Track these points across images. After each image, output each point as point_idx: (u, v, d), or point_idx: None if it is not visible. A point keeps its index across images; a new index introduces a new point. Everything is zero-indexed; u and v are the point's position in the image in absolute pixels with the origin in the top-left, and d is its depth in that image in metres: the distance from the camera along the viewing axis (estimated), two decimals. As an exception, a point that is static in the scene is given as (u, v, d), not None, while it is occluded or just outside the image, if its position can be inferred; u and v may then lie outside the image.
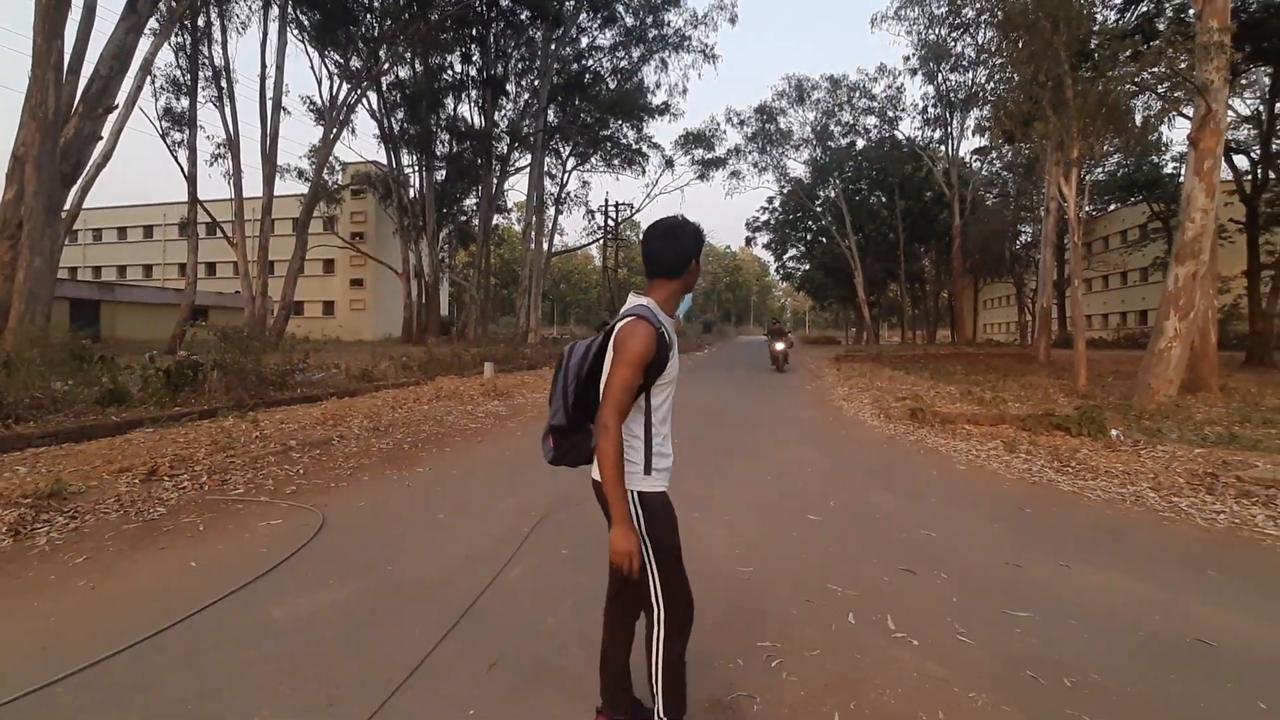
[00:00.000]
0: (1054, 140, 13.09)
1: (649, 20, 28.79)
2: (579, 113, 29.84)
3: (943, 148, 32.00)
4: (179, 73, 22.18)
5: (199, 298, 24.61)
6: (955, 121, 30.26)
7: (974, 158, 30.87)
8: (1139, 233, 30.87)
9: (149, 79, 17.65)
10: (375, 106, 28.29)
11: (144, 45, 15.09)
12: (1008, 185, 30.14)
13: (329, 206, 33.31)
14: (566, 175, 33.12)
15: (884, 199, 36.74)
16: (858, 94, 34.59)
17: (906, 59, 41.50)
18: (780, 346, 16.98)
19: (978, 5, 19.16)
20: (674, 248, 1.92)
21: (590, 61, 30.15)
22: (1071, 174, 12.78)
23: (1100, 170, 25.34)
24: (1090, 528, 4.47)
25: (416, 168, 30.33)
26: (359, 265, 40.39)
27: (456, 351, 18.14)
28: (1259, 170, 18.11)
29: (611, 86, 29.83)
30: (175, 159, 22.00)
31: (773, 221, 42.67)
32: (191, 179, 21.01)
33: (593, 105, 29.27)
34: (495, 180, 30.15)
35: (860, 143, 36.73)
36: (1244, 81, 18.35)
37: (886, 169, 34.98)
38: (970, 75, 26.23)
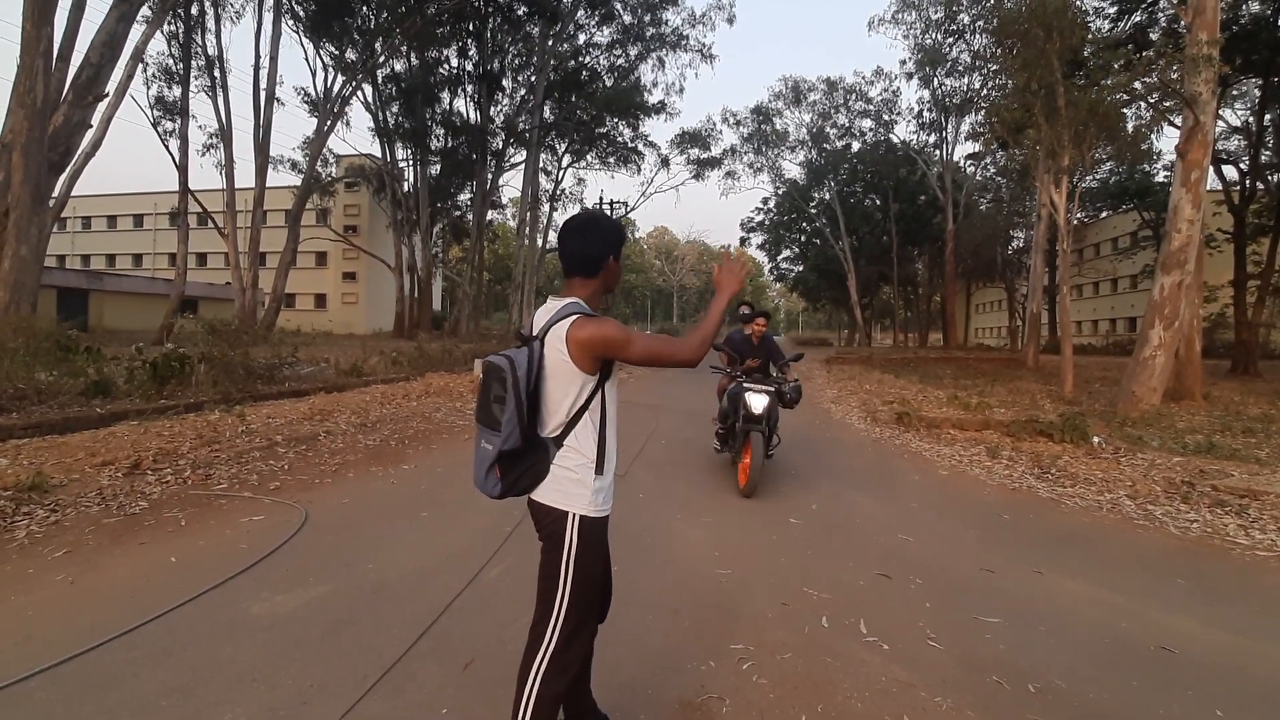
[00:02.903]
0: (1045, 148, 13.18)
1: (647, 19, 28.80)
2: (575, 110, 29.81)
3: (937, 152, 32.15)
4: (171, 61, 22.02)
5: (189, 288, 24.46)
6: (950, 126, 30.42)
7: (968, 162, 31.09)
8: (1129, 240, 31.13)
9: (140, 67, 17.53)
10: (370, 99, 28.20)
11: (136, 33, 15.01)
12: (1001, 191, 30.32)
13: (322, 199, 33.19)
14: (562, 172, 33.11)
15: (878, 202, 36.89)
16: (854, 96, 34.73)
17: (903, 63, 41.61)
18: (756, 404, 5.31)
19: (973, 12, 19.30)
20: (589, 245, 1.84)
21: (587, 59, 30.14)
22: (1062, 181, 12.88)
23: (1092, 178, 25.53)
24: (1065, 535, 4.54)
25: (411, 162, 30.23)
26: (352, 258, 40.24)
27: (448, 347, 18.11)
28: (1247, 181, 18.29)
29: (608, 84, 29.82)
30: (167, 148, 21.85)
31: (767, 222, 42.79)
32: (183, 168, 20.87)
33: (589, 102, 29.25)
34: (490, 176, 30.09)
35: (856, 145, 36.89)
36: (1234, 93, 18.54)
37: (881, 172, 35.11)
38: (965, 81, 26.39)
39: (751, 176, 41.98)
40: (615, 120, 30.53)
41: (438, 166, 30.43)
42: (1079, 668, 2.73)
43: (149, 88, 22.35)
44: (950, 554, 4.09)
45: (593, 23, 28.89)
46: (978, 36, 20.78)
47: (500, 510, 4.65)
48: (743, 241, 46.81)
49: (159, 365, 8.65)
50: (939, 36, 24.88)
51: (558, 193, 33.58)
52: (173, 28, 20.77)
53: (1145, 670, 2.75)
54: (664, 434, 8.13)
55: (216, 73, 21.96)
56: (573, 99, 29.59)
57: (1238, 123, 18.96)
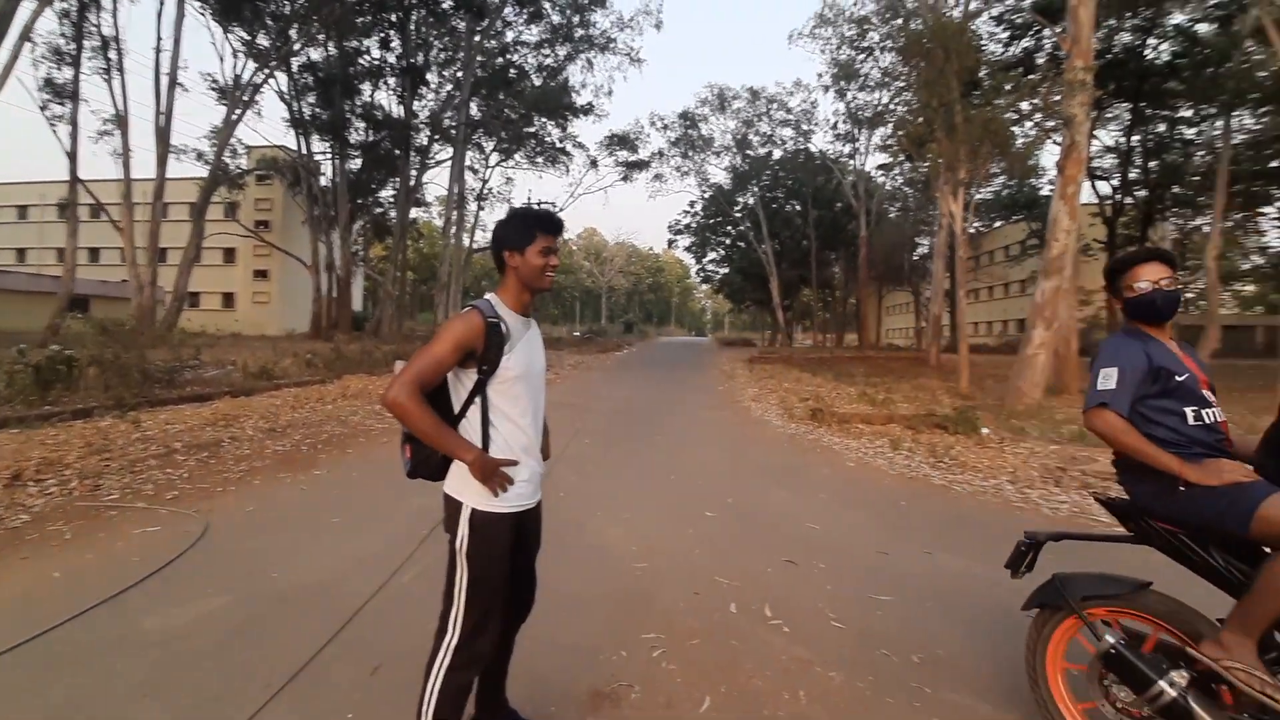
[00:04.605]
0: (945, 161, 14.15)
1: (576, 19, 28.80)
2: (503, 108, 29.39)
3: (851, 162, 33.81)
4: (63, 41, 20.10)
5: (79, 286, 22.42)
6: (863, 138, 32.02)
7: (879, 173, 32.82)
8: (1019, 248, 33.77)
9: (29, 47, 15.95)
10: (284, 88, 26.72)
11: (24, 11, 13.71)
12: (908, 200, 32.23)
13: (231, 192, 31.17)
14: (489, 170, 32.58)
15: (798, 208, 38.36)
16: (775, 106, 36.02)
17: (820, 76, 43.53)
18: None
19: (882, 31, 20.44)
20: (493, 241, 1.90)
21: (516, 57, 29.81)
22: (959, 193, 13.87)
23: (986, 190, 27.60)
24: (954, 518, 4.94)
25: (329, 155, 28.89)
26: (263, 255, 37.95)
27: (367, 349, 17.48)
28: (1117, 196, 20.28)
29: (537, 83, 29.59)
30: (55, 135, 19.94)
31: (694, 225, 43.67)
32: (72, 156, 19.12)
33: (517, 101, 28.93)
34: (415, 172, 29.21)
35: (777, 153, 38.26)
36: (1108, 115, 20.47)
37: (801, 179, 36.56)
38: (876, 95, 27.86)
39: (679, 180, 42.77)
40: (544, 120, 30.35)
41: (358, 161, 29.24)
42: (958, 637, 3.01)
43: (37, 69, 20.28)
44: (852, 539, 4.37)
45: (521, 20, 28.63)
46: (886, 55, 22.04)
47: (420, 513, 4.59)
48: (670, 244, 47.56)
49: (42, 368, 7.97)
50: (852, 53, 26.18)
51: (485, 191, 33.01)
52: (65, 4, 19.00)
53: (1016, 635, 3.04)
54: (589, 433, 8.20)
55: (113, 54, 20.23)
56: (500, 97, 29.17)
57: (1111, 142, 20.97)
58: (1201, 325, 16.25)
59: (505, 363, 1.79)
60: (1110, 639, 2.05)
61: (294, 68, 26.07)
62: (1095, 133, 19.94)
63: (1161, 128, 19.34)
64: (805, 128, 36.19)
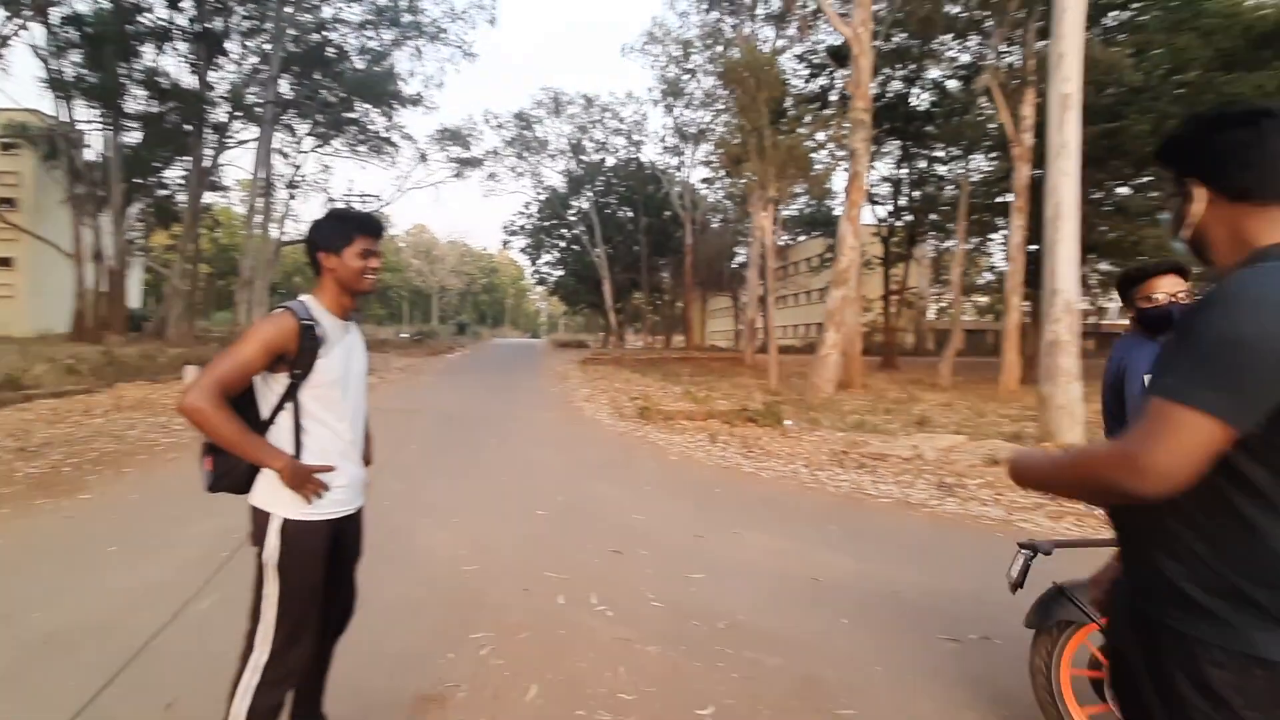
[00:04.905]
0: (758, 179, 15.64)
1: (403, 4, 27.16)
2: (320, 88, 26.79)
3: (679, 173, 35.82)
4: None
5: None
6: (689, 152, 34.11)
7: (703, 185, 35.19)
8: (819, 261, 38.18)
9: None
10: (41, 42, 21.92)
11: None
12: (729, 212, 34.96)
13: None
14: (303, 156, 29.54)
15: (631, 214, 39.77)
16: (608, 115, 37.07)
17: (650, 90, 45.41)
18: None
19: (705, 55, 22.02)
20: (308, 242, 1.83)
21: (335, 35, 27.32)
22: (769, 209, 15.43)
23: (794, 207, 30.92)
24: (760, 500, 5.57)
25: (100, 125, 24.18)
26: (9, 240, 30.78)
27: (148, 352, 15.07)
28: (891, 219, 23.82)
29: (360, 67, 27.38)
30: None
31: (529, 227, 43.40)
32: None
33: (337, 83, 26.53)
34: (211, 152, 25.58)
35: (610, 160, 39.36)
36: (885, 150, 23.89)
37: (633, 187, 37.98)
38: (701, 114, 29.83)
39: (514, 180, 42.13)
40: (367, 107, 28.21)
41: (138, 134, 24.85)
42: (757, 603, 3.45)
43: None
44: (672, 526, 4.77)
45: (340, -5, 26.28)
46: (708, 78, 23.80)
47: (217, 535, 4.16)
48: (505, 244, 46.78)
49: None
50: (678, 71, 27.78)
51: (298, 179, 29.86)
52: None
53: (801, 596, 3.58)
54: (418, 439, 7.92)
55: None
56: (317, 76, 26.54)
57: (887, 173, 24.56)
58: (948, 330, 19.73)
59: (320, 367, 1.73)
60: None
61: (54, 19, 21.58)
62: (874, 164, 23.18)
63: (923, 164, 23.08)
64: (637, 138, 37.68)
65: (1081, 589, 2.19)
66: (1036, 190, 10.88)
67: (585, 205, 38.80)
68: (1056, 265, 7.88)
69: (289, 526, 1.73)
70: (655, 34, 28.48)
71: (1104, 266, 22.35)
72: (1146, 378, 2.01)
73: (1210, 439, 0.89)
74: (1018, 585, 2.26)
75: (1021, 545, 2.32)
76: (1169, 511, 1.01)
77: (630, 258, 39.80)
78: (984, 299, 31.41)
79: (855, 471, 6.40)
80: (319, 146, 29.55)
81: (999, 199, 18.75)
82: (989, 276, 27.10)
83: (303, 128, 28.30)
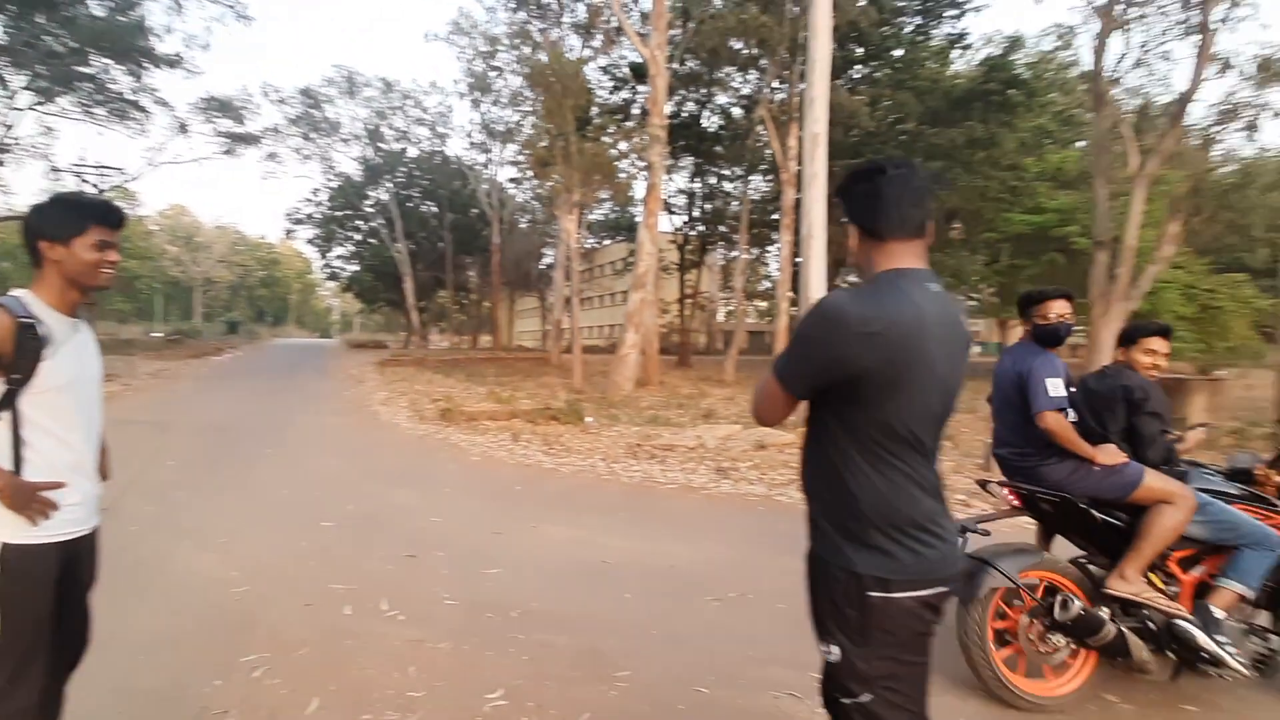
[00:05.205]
0: (564, 184, 15.97)
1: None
2: (42, 33, 21.46)
3: (487, 171, 35.01)
4: None
5: None
6: (497, 149, 33.52)
7: (511, 185, 34.84)
8: (623, 264, 40.01)
9: None
10: None
11: None
12: (537, 213, 35.04)
13: None
14: (16, 113, 23.41)
15: (435, 209, 37.97)
16: (411, 103, 34.90)
17: (456, 82, 43.58)
18: None
19: (513, 55, 21.87)
20: (27, 228, 1.64)
21: (67, -29, 22.05)
22: (575, 213, 15.86)
23: (599, 212, 32.03)
24: (558, 494, 5.82)
25: None
26: None
27: None
28: (686, 229, 25.81)
29: (100, 15, 22.43)
30: None
31: (319, 215, 39.26)
32: None
33: (67, 30, 21.47)
34: None
35: (413, 151, 37.10)
36: (682, 164, 25.77)
37: (438, 181, 36.26)
38: (508, 112, 29.50)
39: (300, 163, 37.83)
40: (108, 62, 23.25)
41: None
42: (549, 589, 3.65)
43: None
44: (471, 526, 4.80)
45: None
46: (515, 78, 23.62)
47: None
48: (289, 234, 41.86)
49: None
50: (485, 67, 27.17)
51: (7, 141, 23.63)
52: None
53: (591, 579, 3.86)
54: (175, 454, 6.93)
55: None
56: (40, 20, 21.18)
57: (683, 186, 26.49)
58: (732, 330, 21.95)
59: (44, 370, 1.56)
60: (1060, 599, 2.52)
61: None
62: (672, 176, 24.92)
63: (713, 180, 25.32)
64: (442, 130, 35.96)
65: (996, 556, 2.57)
66: (800, 211, 12.59)
67: (385, 197, 36.16)
68: (810, 276, 9.28)
69: (10, 552, 1.54)
70: (462, 25, 27.58)
71: (853, 278, 26.52)
72: (1049, 381, 2.57)
73: (782, 401, 1.38)
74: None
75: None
76: (810, 467, 1.41)
77: (434, 254, 37.98)
78: (764, 303, 35.49)
79: (647, 462, 6.94)
80: (41, 103, 23.76)
81: (773, 216, 21.26)
82: (767, 284, 30.69)
83: (18, 80, 22.54)
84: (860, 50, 18.13)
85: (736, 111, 21.87)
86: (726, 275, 30.31)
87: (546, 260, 36.05)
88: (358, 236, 40.87)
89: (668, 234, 24.91)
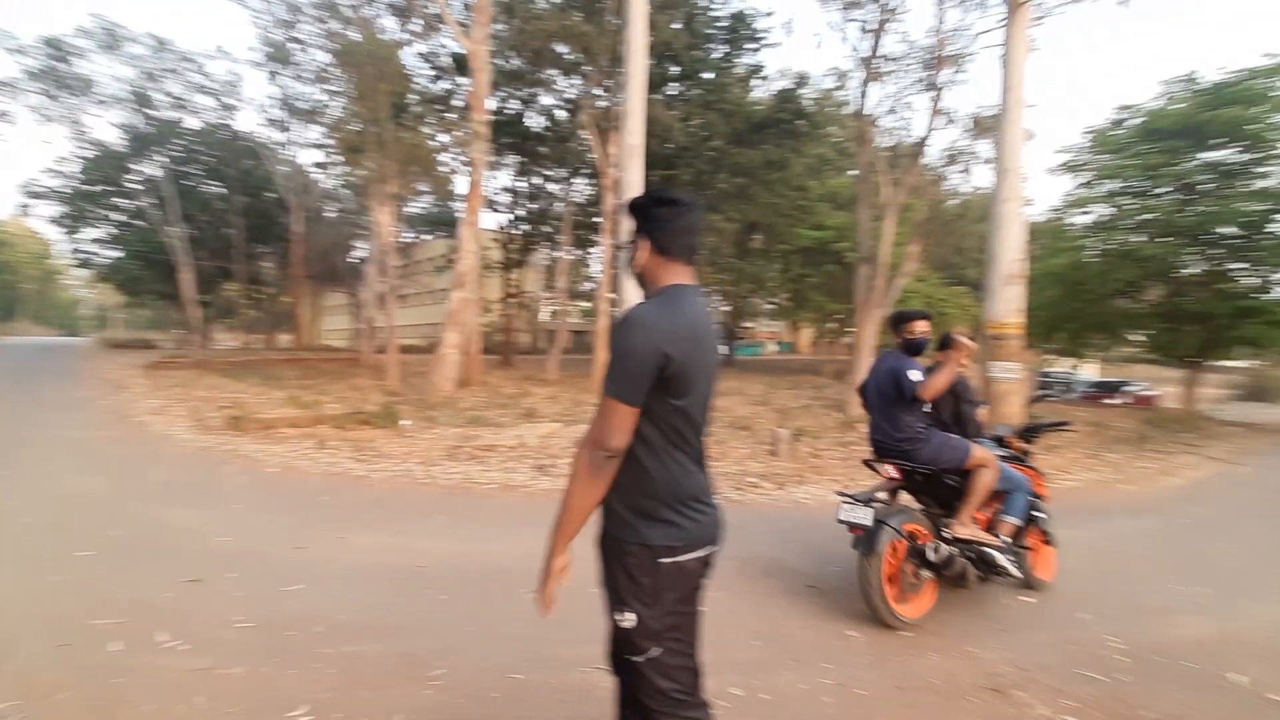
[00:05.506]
0: (378, 173, 15.03)
1: None
2: None
3: (286, 152, 31.47)
4: None
5: None
6: (299, 129, 30.26)
7: (316, 169, 31.67)
8: (444, 261, 38.35)
9: None
10: None
11: None
12: (347, 202, 32.27)
13: None
14: None
15: (223, 191, 33.29)
16: (191, 67, 30.08)
17: (250, 50, 38.19)
18: None
19: (319, 28, 19.93)
20: None
21: None
22: (390, 205, 14.99)
23: (418, 205, 30.38)
24: (370, 502, 5.60)
25: None
26: None
27: None
28: (510, 228, 25.56)
29: None
30: None
31: (67, 190, 32.29)
32: None
33: None
34: None
35: (194, 122, 32.02)
36: (506, 162, 25.40)
37: (226, 159, 31.78)
38: (313, 90, 26.80)
39: (41, 124, 30.89)
40: None
41: None
42: (360, 600, 3.57)
43: None
44: (268, 542, 4.48)
45: None
46: (322, 53, 21.53)
47: None
48: (24, 210, 34.02)
49: None
50: (285, 37, 24.39)
51: None
52: None
53: (405, 585, 3.83)
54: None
55: None
56: None
57: (508, 184, 26.14)
58: (555, 330, 22.24)
59: None
60: (930, 545, 3.43)
61: None
62: (495, 174, 24.49)
63: (538, 180, 25.31)
64: (230, 101, 31.48)
65: (888, 517, 3.37)
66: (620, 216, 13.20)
67: (156, 172, 30.83)
68: (630, 279, 9.79)
69: None
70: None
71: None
72: (912, 373, 3.55)
73: (629, 415, 1.52)
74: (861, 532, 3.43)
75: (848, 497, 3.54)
76: None
77: (220, 242, 33.27)
78: (587, 304, 36.23)
79: (466, 464, 6.91)
80: None
81: (595, 219, 21.87)
82: (590, 284, 31.37)
83: None
84: (676, 69, 19.34)
85: (561, 114, 22.12)
86: (550, 275, 30.47)
87: (359, 253, 33.39)
88: (119, 217, 34.39)
89: (491, 232, 24.45)
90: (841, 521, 3.48)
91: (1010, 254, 9.07)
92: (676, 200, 1.66)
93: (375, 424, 8.40)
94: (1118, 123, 18.87)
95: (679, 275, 1.65)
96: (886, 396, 3.61)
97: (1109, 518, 5.32)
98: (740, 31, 19.48)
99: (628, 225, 1.73)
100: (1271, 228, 15.79)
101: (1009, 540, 3.66)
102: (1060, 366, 29.93)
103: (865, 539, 3.36)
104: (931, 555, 3.43)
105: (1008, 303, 8.88)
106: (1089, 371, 32.58)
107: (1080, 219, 19.55)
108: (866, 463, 3.84)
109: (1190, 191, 16.95)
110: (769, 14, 38.68)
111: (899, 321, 3.74)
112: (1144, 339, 19.68)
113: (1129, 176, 17.51)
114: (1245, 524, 6.24)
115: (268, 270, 37.65)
